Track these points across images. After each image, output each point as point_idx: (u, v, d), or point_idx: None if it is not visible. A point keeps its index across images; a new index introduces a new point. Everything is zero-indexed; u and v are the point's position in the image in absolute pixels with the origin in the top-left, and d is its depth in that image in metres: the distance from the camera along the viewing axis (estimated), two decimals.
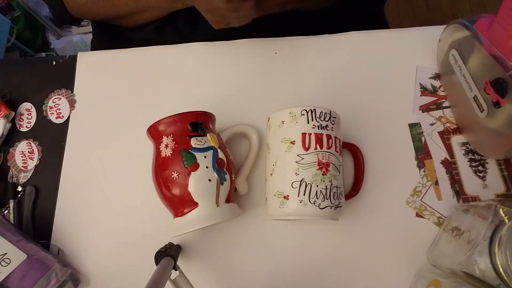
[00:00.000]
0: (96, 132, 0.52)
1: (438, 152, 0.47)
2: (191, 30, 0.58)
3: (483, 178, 0.45)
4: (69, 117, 0.53)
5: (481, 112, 0.40)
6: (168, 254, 0.40)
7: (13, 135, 0.52)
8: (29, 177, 0.50)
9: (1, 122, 0.51)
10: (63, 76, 0.55)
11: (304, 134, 0.40)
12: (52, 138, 0.52)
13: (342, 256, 0.44)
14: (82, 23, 0.64)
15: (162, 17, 0.56)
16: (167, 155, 0.40)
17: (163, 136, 0.41)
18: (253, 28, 0.55)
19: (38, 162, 0.51)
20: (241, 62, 0.53)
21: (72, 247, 0.47)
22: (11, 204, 0.49)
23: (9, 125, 0.52)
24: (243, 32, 0.55)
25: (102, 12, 0.56)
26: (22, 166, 0.51)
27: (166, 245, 0.43)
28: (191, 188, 0.38)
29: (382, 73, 0.51)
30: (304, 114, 0.40)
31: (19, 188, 0.50)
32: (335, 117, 0.42)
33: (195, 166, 0.38)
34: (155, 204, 0.43)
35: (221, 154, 0.40)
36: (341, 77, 0.52)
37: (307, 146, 0.39)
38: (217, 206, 0.40)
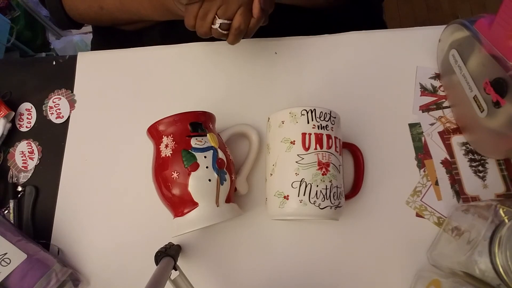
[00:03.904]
0: (96, 132, 0.52)
1: (438, 152, 0.47)
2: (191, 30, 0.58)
3: (483, 178, 0.45)
4: (69, 117, 0.53)
5: (481, 112, 0.40)
6: (168, 254, 0.40)
7: (13, 135, 0.52)
8: (29, 177, 0.50)
9: (1, 122, 0.51)
10: (63, 76, 0.55)
11: (304, 134, 0.40)
12: (52, 138, 0.52)
13: (342, 256, 0.44)
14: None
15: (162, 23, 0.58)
16: (167, 155, 0.40)
17: (163, 136, 0.41)
18: None
19: (38, 162, 0.51)
20: (241, 62, 0.53)
21: (72, 247, 0.47)
22: (11, 204, 0.49)
23: (9, 125, 0.52)
24: None
25: (105, 21, 0.58)
26: (22, 166, 0.51)
27: (166, 245, 0.43)
28: (191, 188, 0.38)
29: (382, 73, 0.51)
30: (304, 114, 0.40)
31: (19, 188, 0.50)
32: (335, 117, 0.42)
33: (195, 166, 0.38)
34: (155, 204, 0.43)
35: (221, 154, 0.40)
36: (341, 77, 0.52)
37: (307, 146, 0.39)
38: (217, 206, 0.40)
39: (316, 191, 0.38)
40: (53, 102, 0.54)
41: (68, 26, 0.61)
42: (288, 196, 0.39)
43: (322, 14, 0.59)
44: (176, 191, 0.39)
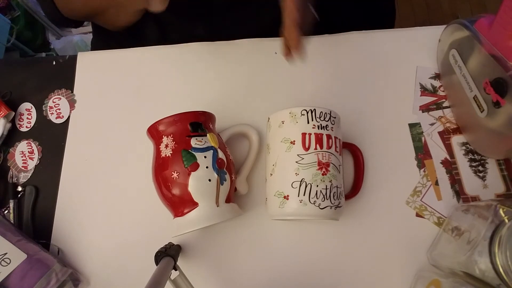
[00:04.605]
0: (96, 132, 0.52)
1: (438, 152, 0.47)
2: (191, 30, 0.58)
3: (483, 178, 0.45)
4: (69, 117, 0.53)
5: (481, 112, 0.40)
6: (168, 254, 0.40)
7: (13, 135, 0.52)
8: (29, 177, 0.50)
9: (1, 122, 0.51)
10: (63, 76, 0.55)
11: (304, 134, 0.40)
12: (52, 138, 0.52)
13: (342, 256, 0.44)
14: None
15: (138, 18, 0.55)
16: (167, 155, 0.40)
17: (163, 136, 0.41)
18: (253, 28, 0.55)
19: (38, 162, 0.51)
20: (241, 62, 0.53)
21: (72, 247, 0.47)
22: (11, 204, 0.49)
23: (9, 125, 0.52)
24: (244, 32, 0.55)
25: (80, 9, 0.54)
26: (22, 166, 0.51)
27: (166, 245, 0.43)
28: (191, 188, 0.38)
29: (382, 73, 0.51)
30: (304, 114, 0.40)
31: (19, 188, 0.50)
32: (335, 117, 0.42)
33: (195, 166, 0.38)
34: (155, 204, 0.43)
35: (221, 154, 0.40)
36: (341, 77, 0.52)
37: (307, 146, 0.39)
38: (217, 206, 0.40)
39: (316, 191, 0.38)
40: (53, 102, 0.54)
41: (63, 22, 0.59)
42: (288, 196, 0.39)
43: (327, 12, 0.59)
44: (176, 191, 0.39)
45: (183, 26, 0.58)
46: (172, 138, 0.40)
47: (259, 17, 0.53)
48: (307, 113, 0.40)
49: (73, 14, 0.58)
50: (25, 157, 0.51)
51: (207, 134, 0.41)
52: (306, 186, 0.38)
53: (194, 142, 0.40)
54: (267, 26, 0.53)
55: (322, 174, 0.39)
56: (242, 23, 0.52)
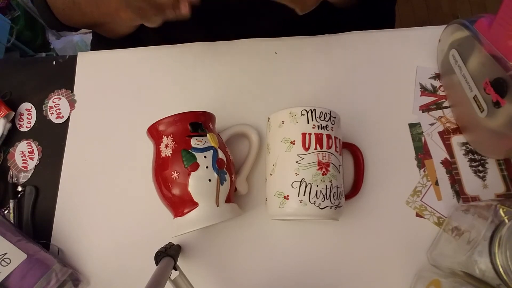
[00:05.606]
0: (96, 132, 0.52)
1: (438, 152, 0.47)
2: (191, 30, 0.58)
3: (483, 178, 0.46)
4: (69, 117, 0.53)
5: (481, 112, 0.40)
6: (168, 254, 0.40)
7: (13, 135, 0.52)
8: (29, 177, 0.50)
9: (1, 122, 0.51)
10: (63, 76, 0.55)
11: (304, 134, 0.40)
12: (52, 138, 0.52)
13: (342, 256, 0.44)
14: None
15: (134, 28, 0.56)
16: (167, 155, 0.40)
17: (163, 136, 0.41)
18: (253, 28, 0.55)
19: (38, 162, 0.51)
20: (241, 62, 0.53)
21: (72, 247, 0.47)
22: (11, 204, 0.49)
23: (9, 125, 0.52)
24: (244, 32, 0.55)
25: (78, 20, 0.55)
26: (22, 166, 0.51)
27: (166, 245, 0.43)
28: (191, 188, 0.38)
29: (382, 73, 0.51)
30: (304, 114, 0.40)
31: (19, 188, 0.50)
32: (335, 117, 0.42)
33: (195, 166, 0.38)
34: (155, 204, 0.43)
35: (221, 154, 0.40)
36: (341, 77, 0.52)
37: (307, 146, 0.39)
38: (217, 206, 0.40)
39: (316, 191, 0.38)
40: (53, 102, 0.54)
41: (62, 29, 0.59)
42: (288, 196, 0.39)
43: (324, 14, 0.59)
44: (176, 191, 0.39)
45: (182, 31, 0.58)
46: (172, 138, 0.40)
47: (258, 22, 0.53)
48: (307, 113, 0.40)
49: (72, 24, 0.58)
50: (25, 157, 0.51)
51: (207, 134, 0.41)
52: (306, 186, 0.38)
53: (194, 142, 0.40)
54: (267, 25, 0.53)
55: (322, 174, 0.39)
56: (241, 27, 0.52)
